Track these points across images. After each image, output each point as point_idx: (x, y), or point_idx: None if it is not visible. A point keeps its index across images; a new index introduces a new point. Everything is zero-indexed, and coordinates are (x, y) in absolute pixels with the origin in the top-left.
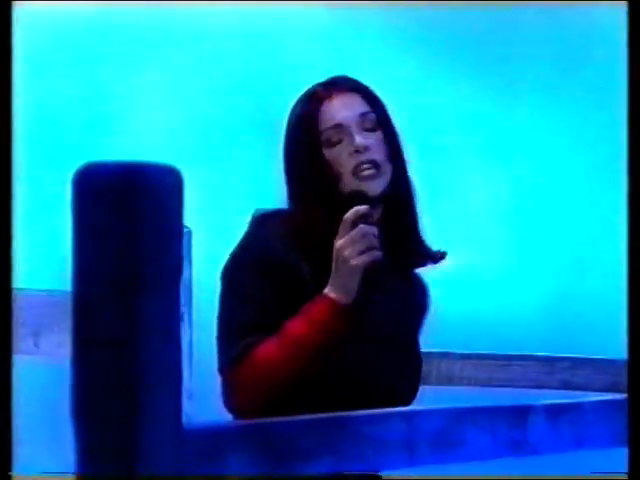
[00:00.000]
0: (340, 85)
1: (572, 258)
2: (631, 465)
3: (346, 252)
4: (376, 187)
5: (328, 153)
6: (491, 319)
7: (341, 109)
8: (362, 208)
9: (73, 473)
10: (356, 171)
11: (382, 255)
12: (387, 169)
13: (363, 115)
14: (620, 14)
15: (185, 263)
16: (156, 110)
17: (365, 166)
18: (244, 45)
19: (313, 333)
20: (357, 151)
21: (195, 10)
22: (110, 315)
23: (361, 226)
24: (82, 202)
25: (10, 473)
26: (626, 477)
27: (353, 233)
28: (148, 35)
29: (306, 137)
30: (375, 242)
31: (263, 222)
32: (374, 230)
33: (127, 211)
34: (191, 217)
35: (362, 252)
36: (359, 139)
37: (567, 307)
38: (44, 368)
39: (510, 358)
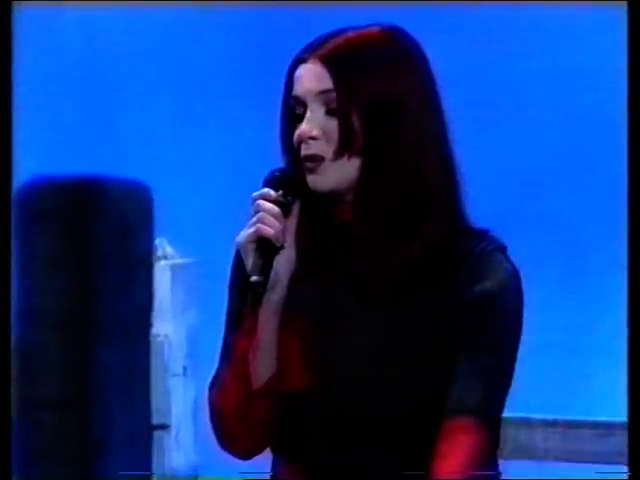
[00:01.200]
0: (317, 49)
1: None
2: (631, 465)
3: (241, 232)
4: (317, 183)
5: (295, 128)
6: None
7: (304, 79)
8: (265, 191)
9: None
10: (303, 161)
11: (275, 233)
12: (341, 164)
13: (323, 93)
14: (620, 14)
15: (182, 300)
16: (157, 110)
17: (306, 159)
18: (248, 47)
19: (239, 339)
20: (300, 139)
21: (197, 10)
22: (60, 368)
23: (257, 202)
24: (25, 227)
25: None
26: (626, 477)
27: (251, 211)
28: (148, 35)
29: (282, 103)
30: (268, 219)
31: None
32: (273, 209)
33: (82, 238)
34: (195, 240)
35: (248, 227)
36: (304, 124)
37: None
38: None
39: (611, 426)
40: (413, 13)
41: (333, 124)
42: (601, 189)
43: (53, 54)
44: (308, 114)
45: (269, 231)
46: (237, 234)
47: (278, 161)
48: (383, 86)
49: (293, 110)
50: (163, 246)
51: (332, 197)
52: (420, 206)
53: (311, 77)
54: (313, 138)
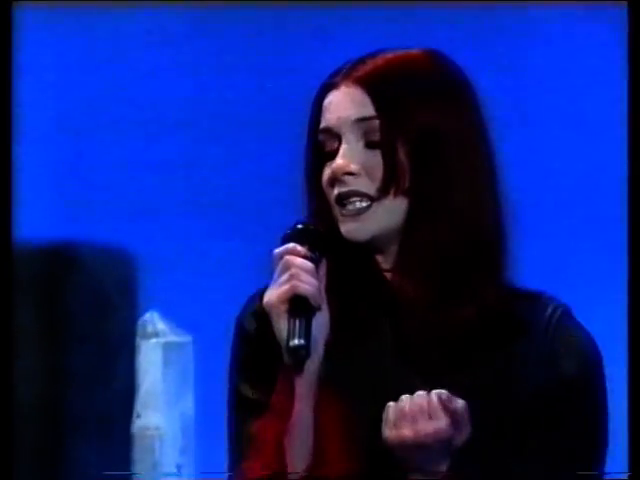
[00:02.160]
0: (351, 72)
1: None
2: (631, 465)
3: (268, 292)
4: (359, 231)
5: (324, 165)
6: None
7: (338, 106)
8: (291, 246)
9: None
10: (337, 204)
11: (313, 290)
12: (386, 206)
13: (362, 121)
14: (620, 14)
15: (176, 385)
16: (158, 111)
17: (342, 199)
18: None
19: (270, 424)
20: (334, 176)
21: (198, 11)
22: (25, 468)
23: (286, 257)
24: None
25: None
26: (626, 477)
27: (278, 268)
28: (149, 35)
29: (308, 139)
30: (304, 275)
31: None
32: (306, 265)
33: (53, 311)
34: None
35: (279, 285)
36: (339, 158)
37: None
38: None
39: None
40: (412, 13)
41: (375, 158)
42: (601, 189)
43: (53, 54)
44: (344, 147)
45: (307, 288)
46: (239, 307)
47: (284, 220)
48: (432, 115)
49: (323, 146)
50: (154, 321)
51: (369, 248)
52: (474, 257)
53: (347, 103)
54: (351, 174)
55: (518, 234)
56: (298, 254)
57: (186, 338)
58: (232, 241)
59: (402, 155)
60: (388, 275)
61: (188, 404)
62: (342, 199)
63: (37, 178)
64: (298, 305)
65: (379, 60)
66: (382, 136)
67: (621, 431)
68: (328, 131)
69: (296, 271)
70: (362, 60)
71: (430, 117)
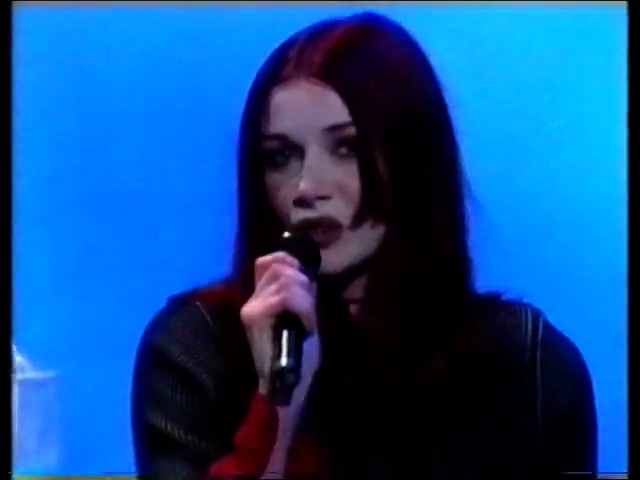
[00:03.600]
0: (300, 59)
1: None
2: (631, 465)
3: (249, 304)
4: (326, 263)
5: (269, 177)
6: None
7: (296, 110)
8: (280, 255)
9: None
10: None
11: (306, 305)
12: (363, 232)
13: (332, 130)
14: (620, 14)
15: (38, 431)
16: (159, 112)
17: (311, 228)
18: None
19: (260, 443)
20: (303, 199)
21: (200, 11)
22: None
23: (273, 266)
24: None
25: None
26: (626, 477)
27: (263, 278)
28: (149, 35)
29: (242, 148)
30: (296, 288)
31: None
32: (300, 277)
33: None
34: None
35: (266, 297)
36: (306, 179)
37: None
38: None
39: None
40: (411, 13)
41: (349, 174)
42: (601, 189)
43: (53, 54)
44: (309, 161)
45: (300, 304)
46: (118, 334)
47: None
48: (412, 116)
49: (271, 157)
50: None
51: (333, 278)
52: (447, 289)
53: (313, 106)
54: (324, 198)
55: (500, 240)
56: (291, 263)
57: (50, 374)
58: (103, 266)
59: (382, 169)
60: (353, 308)
61: (52, 455)
62: (309, 227)
63: (36, 178)
64: (286, 323)
65: (335, 45)
66: (360, 147)
67: (621, 431)
68: (281, 139)
69: (287, 282)
70: (312, 45)
71: (410, 120)
